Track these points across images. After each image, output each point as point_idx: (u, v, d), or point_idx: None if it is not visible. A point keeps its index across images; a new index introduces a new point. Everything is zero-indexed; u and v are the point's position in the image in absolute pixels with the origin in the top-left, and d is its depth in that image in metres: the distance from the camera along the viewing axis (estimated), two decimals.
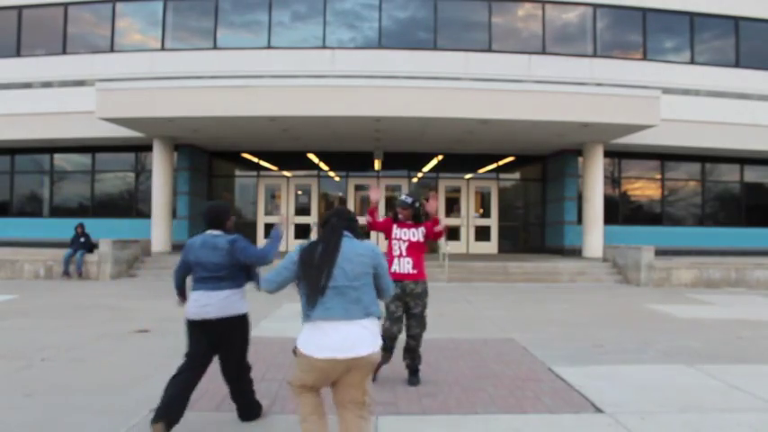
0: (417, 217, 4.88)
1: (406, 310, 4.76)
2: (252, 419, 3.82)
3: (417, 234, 4.83)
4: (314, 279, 2.81)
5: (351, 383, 2.85)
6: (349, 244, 2.92)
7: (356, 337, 2.79)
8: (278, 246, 3.82)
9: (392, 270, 4.64)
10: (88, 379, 4.80)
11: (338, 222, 2.97)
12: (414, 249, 4.79)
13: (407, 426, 3.88)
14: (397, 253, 4.78)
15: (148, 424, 3.43)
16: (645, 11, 16.39)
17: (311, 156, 17.88)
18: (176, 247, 15.32)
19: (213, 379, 4.79)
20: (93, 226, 14.23)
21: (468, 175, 18.45)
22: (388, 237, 4.91)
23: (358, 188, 18.40)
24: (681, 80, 16.04)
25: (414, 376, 4.86)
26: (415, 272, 4.76)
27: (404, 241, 4.79)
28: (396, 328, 4.73)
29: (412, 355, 4.86)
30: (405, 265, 4.74)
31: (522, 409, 4.19)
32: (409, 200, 4.90)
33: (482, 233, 18.12)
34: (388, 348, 4.73)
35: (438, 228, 4.78)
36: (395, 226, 4.88)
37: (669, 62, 16.45)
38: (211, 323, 3.58)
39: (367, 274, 2.91)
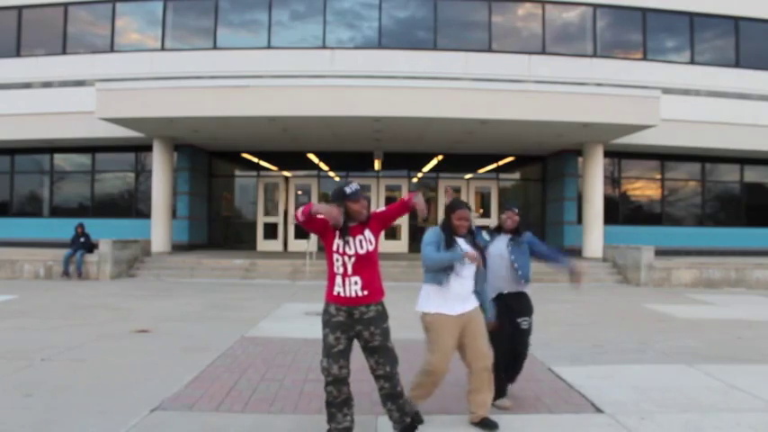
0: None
1: (361, 344, 3.40)
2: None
3: (365, 242, 3.33)
4: None
5: None
6: None
7: None
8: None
9: (335, 292, 3.34)
10: (88, 379, 4.79)
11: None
12: (362, 264, 3.33)
13: None
14: (340, 270, 3.34)
15: (148, 424, 3.42)
16: (645, 11, 16.38)
17: (311, 156, 17.87)
18: (176, 248, 15.32)
19: (216, 379, 4.80)
20: (93, 226, 14.22)
21: (468, 175, 18.45)
22: (325, 245, 3.40)
23: None
24: (681, 80, 16.02)
25: None
26: (365, 293, 3.33)
27: (349, 256, 3.31)
28: (336, 366, 3.29)
29: (396, 404, 3.43)
30: (351, 287, 3.32)
31: (522, 409, 4.19)
32: (354, 187, 3.32)
33: None
34: (334, 404, 3.35)
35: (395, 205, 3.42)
36: (337, 234, 3.33)
37: (669, 62, 16.44)
38: None
39: None
